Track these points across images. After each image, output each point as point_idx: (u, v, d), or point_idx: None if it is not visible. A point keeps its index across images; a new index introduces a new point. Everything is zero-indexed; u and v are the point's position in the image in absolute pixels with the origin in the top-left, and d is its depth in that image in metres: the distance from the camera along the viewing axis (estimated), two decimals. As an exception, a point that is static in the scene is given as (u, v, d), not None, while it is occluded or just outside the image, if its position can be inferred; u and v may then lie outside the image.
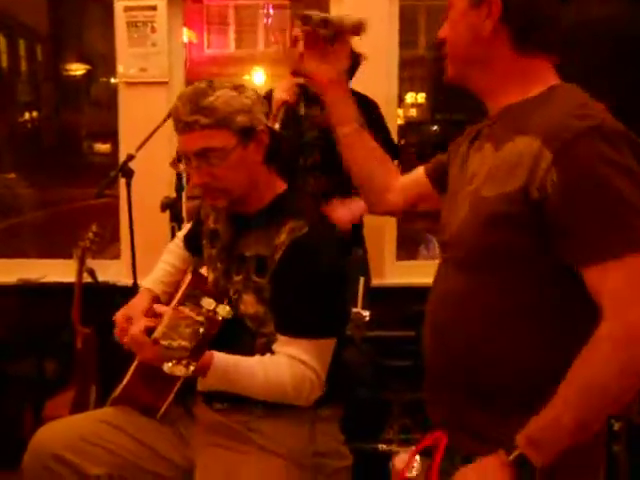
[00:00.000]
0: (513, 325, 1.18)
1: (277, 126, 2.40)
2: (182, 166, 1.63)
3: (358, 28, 1.52)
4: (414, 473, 1.34)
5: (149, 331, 1.57)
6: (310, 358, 1.58)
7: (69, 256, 3.07)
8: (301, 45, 1.49)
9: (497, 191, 1.16)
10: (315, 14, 1.47)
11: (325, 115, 2.62)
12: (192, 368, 1.41)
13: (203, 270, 1.92)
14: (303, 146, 2.63)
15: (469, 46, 1.26)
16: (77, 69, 8.94)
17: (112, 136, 3.39)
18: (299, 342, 1.58)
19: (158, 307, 1.62)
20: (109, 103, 3.68)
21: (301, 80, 2.52)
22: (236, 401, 1.66)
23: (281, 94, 2.49)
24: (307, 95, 2.62)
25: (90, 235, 2.95)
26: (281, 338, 1.61)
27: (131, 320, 1.77)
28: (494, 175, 1.18)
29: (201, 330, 1.37)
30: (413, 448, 1.35)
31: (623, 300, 1.07)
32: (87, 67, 9.08)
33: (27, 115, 8.16)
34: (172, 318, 1.41)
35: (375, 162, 1.58)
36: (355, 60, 2.59)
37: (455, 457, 1.25)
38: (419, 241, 4.16)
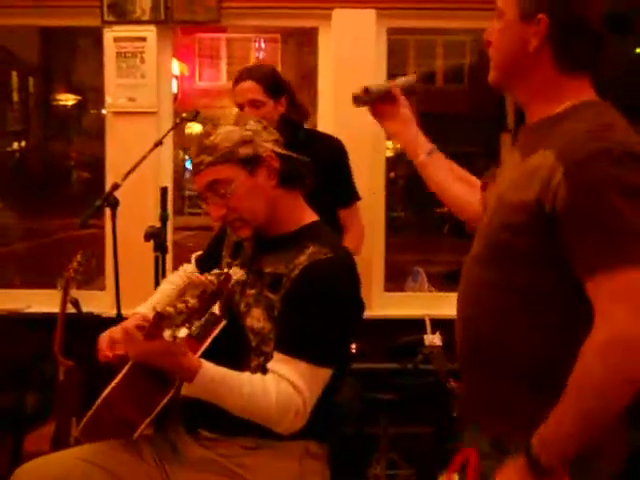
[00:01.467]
0: (519, 321, 1.27)
1: None
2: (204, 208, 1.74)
3: (409, 87, 1.75)
4: None
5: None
6: (303, 383, 1.54)
7: (54, 286, 3.03)
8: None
9: (517, 198, 1.25)
10: (359, 92, 1.72)
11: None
12: (196, 326, 1.41)
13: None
14: None
15: (513, 57, 1.33)
16: (67, 99, 8.98)
17: (101, 166, 3.37)
18: (296, 363, 1.55)
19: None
20: (98, 134, 3.68)
21: None
22: (226, 431, 1.62)
23: None
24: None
25: (74, 265, 2.91)
26: (278, 356, 1.57)
27: (115, 346, 1.73)
28: (516, 183, 1.28)
29: (210, 288, 1.37)
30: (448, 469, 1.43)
31: (610, 309, 1.15)
32: (77, 98, 9.13)
33: (16, 144, 8.16)
34: (180, 289, 1.41)
35: (454, 186, 1.68)
36: (303, 115, 2.70)
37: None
38: (407, 273, 4.14)
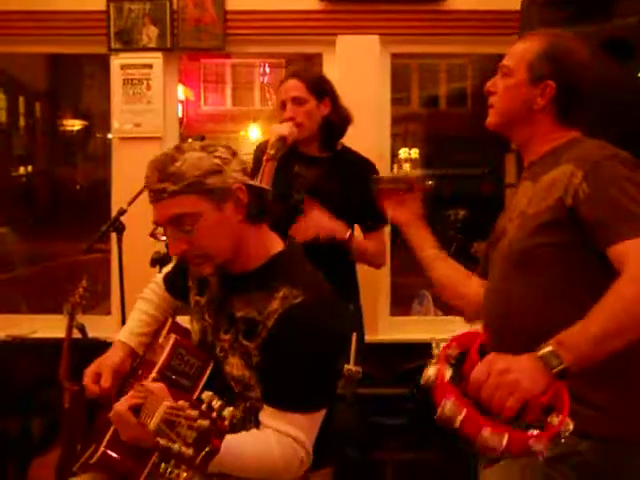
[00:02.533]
0: (552, 302, 1.48)
1: (272, 152, 2.38)
2: (163, 237, 1.56)
3: (423, 180, 1.86)
4: (450, 374, 1.33)
5: (135, 409, 1.45)
6: (302, 434, 1.50)
7: (60, 311, 3.03)
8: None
9: (539, 206, 1.51)
10: (385, 176, 1.89)
11: (315, 175, 2.64)
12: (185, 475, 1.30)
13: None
14: (288, 208, 2.58)
15: (518, 111, 1.61)
16: (74, 125, 9.06)
17: (107, 191, 3.40)
18: (290, 417, 1.50)
19: (148, 385, 1.49)
20: (104, 159, 3.70)
21: (302, 127, 2.51)
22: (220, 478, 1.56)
23: (280, 129, 2.46)
24: (300, 155, 2.61)
25: (80, 290, 2.92)
26: (270, 410, 1.52)
27: (99, 378, 1.71)
28: (536, 197, 1.53)
29: (210, 439, 1.21)
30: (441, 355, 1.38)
31: (634, 259, 1.36)
32: (84, 123, 9.21)
33: (22, 169, 8.21)
34: (169, 412, 1.26)
35: (452, 280, 1.81)
36: (345, 120, 2.65)
37: None
38: (413, 297, 4.13)
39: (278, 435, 1.50)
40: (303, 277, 1.59)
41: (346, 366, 2.06)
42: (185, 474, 1.28)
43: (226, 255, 1.56)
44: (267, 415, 1.52)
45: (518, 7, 2.48)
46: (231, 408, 1.26)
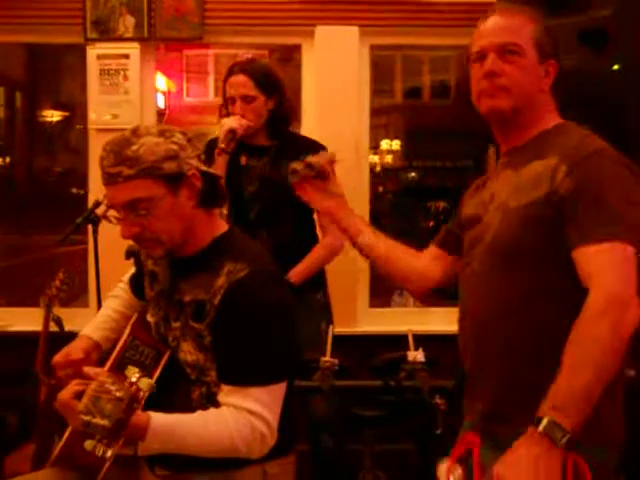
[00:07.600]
0: (538, 306, 1.41)
1: (223, 145, 2.45)
2: (114, 220, 1.57)
3: (332, 161, 1.74)
4: (457, 476, 1.43)
5: (79, 396, 1.43)
6: (259, 407, 1.49)
7: (37, 304, 3.00)
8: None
9: (524, 201, 1.43)
10: (298, 165, 1.69)
11: (265, 165, 2.63)
12: (110, 452, 1.29)
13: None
14: (244, 202, 2.60)
15: (534, 94, 1.51)
16: (53, 116, 8.97)
17: (86, 183, 3.36)
18: (247, 391, 1.49)
19: (89, 370, 1.50)
20: (84, 150, 3.66)
21: (251, 124, 2.53)
22: (178, 468, 1.57)
23: (230, 122, 2.49)
24: (248, 147, 2.61)
25: (57, 283, 2.89)
26: (227, 388, 1.52)
27: (70, 358, 1.72)
28: (519, 189, 1.45)
29: (122, 408, 1.27)
30: (450, 456, 1.46)
31: (602, 276, 1.32)
32: (63, 114, 9.12)
33: (0, 160, 8.13)
34: (95, 389, 1.30)
35: (398, 255, 1.74)
36: (291, 110, 2.69)
37: (492, 448, 1.40)
38: (393, 288, 4.14)
39: (234, 410, 1.49)
40: (246, 252, 1.60)
41: (322, 358, 2.07)
42: (110, 450, 1.29)
43: (177, 239, 1.58)
44: (224, 393, 1.52)
45: (497, -2, 2.48)
46: (149, 380, 1.32)
